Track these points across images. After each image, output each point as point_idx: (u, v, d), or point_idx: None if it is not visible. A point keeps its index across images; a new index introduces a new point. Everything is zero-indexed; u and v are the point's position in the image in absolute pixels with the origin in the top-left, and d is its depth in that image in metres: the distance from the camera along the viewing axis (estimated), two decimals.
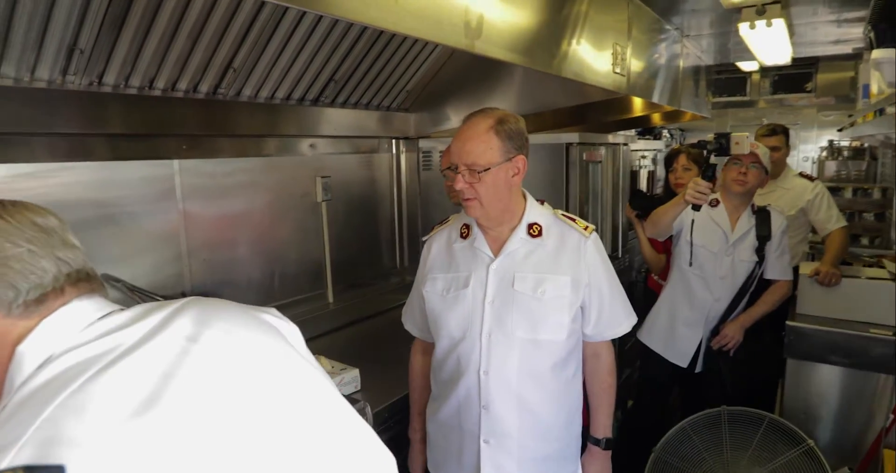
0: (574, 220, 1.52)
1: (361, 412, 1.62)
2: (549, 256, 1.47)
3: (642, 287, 3.38)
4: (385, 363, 1.99)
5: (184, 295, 2.04)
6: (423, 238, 1.66)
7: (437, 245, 1.59)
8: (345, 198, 2.71)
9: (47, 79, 1.64)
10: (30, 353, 0.73)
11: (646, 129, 4.49)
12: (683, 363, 2.46)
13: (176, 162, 2.04)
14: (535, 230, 1.48)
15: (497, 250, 1.49)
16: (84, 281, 0.82)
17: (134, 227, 1.94)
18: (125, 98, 1.82)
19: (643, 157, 3.89)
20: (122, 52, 1.69)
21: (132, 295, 1.82)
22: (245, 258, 2.31)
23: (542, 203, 1.56)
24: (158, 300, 1.82)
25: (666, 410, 2.73)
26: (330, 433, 0.83)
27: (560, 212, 1.54)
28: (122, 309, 0.82)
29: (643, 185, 3.93)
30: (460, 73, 2.80)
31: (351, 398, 1.67)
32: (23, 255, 0.76)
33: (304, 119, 2.41)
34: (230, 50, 1.93)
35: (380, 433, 1.70)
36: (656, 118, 3.89)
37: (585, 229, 1.50)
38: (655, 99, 3.11)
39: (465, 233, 1.54)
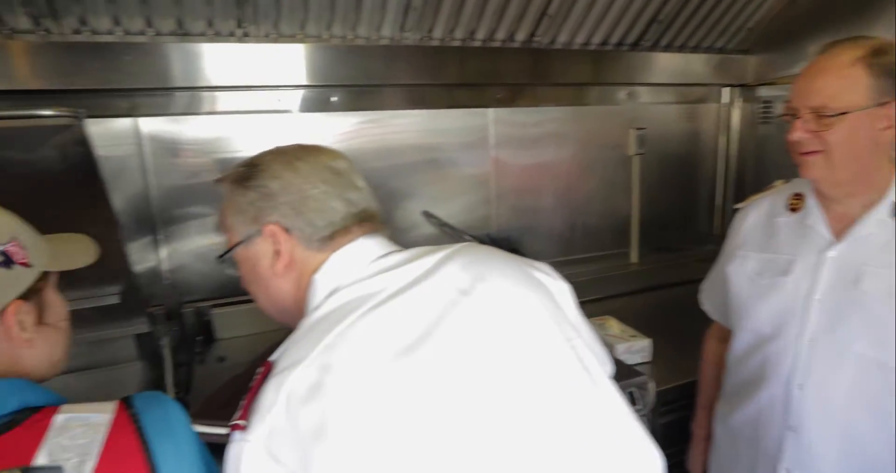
0: None
1: (643, 387, 1.49)
2: None
3: None
4: (683, 338, 1.79)
5: (489, 237, 2.18)
6: (736, 206, 1.37)
7: (755, 216, 1.29)
8: (660, 152, 2.48)
9: (389, 36, 1.87)
10: (321, 282, 0.81)
11: None
12: None
13: (491, 111, 2.13)
14: None
15: (840, 232, 1.13)
16: (367, 221, 0.87)
17: (451, 170, 2.11)
18: (450, 50, 1.96)
19: None
20: (447, 6, 1.81)
21: (443, 230, 2.00)
22: (548, 208, 2.33)
23: None
24: (465, 237, 2.01)
25: None
26: (585, 417, 0.76)
27: None
28: (399, 250, 0.86)
29: None
30: (824, 1, 2.25)
31: (634, 370, 1.56)
32: (318, 195, 0.83)
33: (621, 66, 2.26)
34: None
35: (660, 415, 1.58)
36: None
37: None
38: None
39: (796, 205, 1.21)
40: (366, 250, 0.84)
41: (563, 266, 0.95)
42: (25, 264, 0.72)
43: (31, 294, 0.73)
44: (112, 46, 1.57)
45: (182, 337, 1.79)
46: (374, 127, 1.98)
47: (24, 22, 1.48)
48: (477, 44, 1.98)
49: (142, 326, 1.74)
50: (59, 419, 0.65)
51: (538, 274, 0.87)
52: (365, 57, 1.84)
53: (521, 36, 2.02)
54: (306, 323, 0.78)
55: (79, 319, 0.87)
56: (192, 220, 1.81)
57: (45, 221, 1.45)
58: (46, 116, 1.13)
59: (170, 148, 1.72)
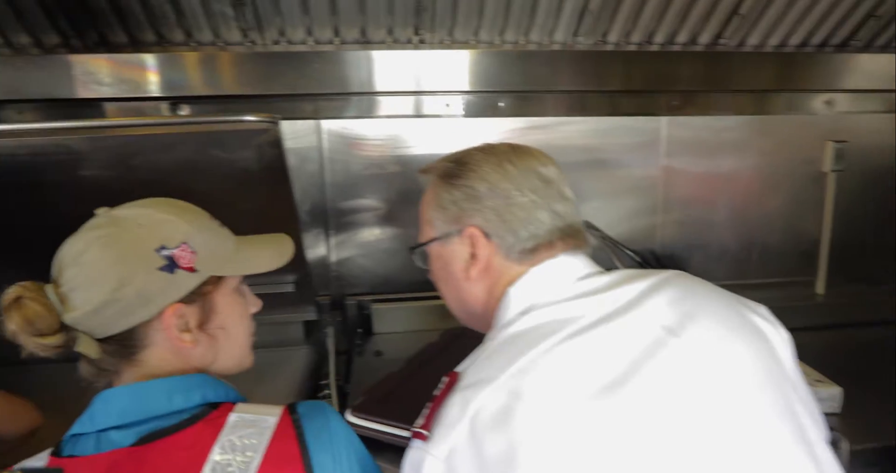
0: None
1: (834, 444, 1.30)
2: None
3: None
4: (881, 389, 1.54)
5: (653, 254, 2.05)
6: None
7: None
8: (863, 170, 2.16)
9: (561, 41, 1.82)
10: (516, 297, 0.78)
11: None
12: None
13: (664, 118, 2.00)
14: None
15: None
16: (572, 237, 0.82)
17: (616, 178, 2.02)
18: (624, 55, 1.87)
19: None
20: (626, 9, 1.73)
21: (604, 243, 1.91)
22: (722, 224, 2.14)
23: None
24: (626, 251, 1.90)
25: None
26: None
27: None
28: (601, 272, 0.80)
29: None
30: None
31: None
32: (526, 204, 0.79)
33: (822, 69, 2.00)
34: None
35: None
36: None
37: None
38: None
39: None
40: (567, 268, 0.80)
41: (735, 291, 0.84)
42: (190, 269, 0.72)
43: (195, 298, 0.74)
44: (303, 55, 1.70)
45: (343, 328, 1.90)
46: (539, 132, 1.94)
47: (235, 35, 1.66)
48: (655, 48, 1.87)
49: (310, 314, 1.88)
50: (233, 417, 0.68)
51: (756, 319, 0.78)
52: (534, 62, 1.82)
53: (704, 38, 1.87)
54: (497, 339, 0.74)
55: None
56: (361, 215, 1.90)
57: (238, 214, 1.63)
58: (249, 121, 1.24)
59: (345, 146, 1.83)
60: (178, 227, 0.73)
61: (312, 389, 1.71)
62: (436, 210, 0.85)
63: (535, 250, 0.80)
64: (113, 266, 0.68)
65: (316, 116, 1.82)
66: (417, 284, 1.96)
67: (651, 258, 1.85)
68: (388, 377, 1.42)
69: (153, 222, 0.72)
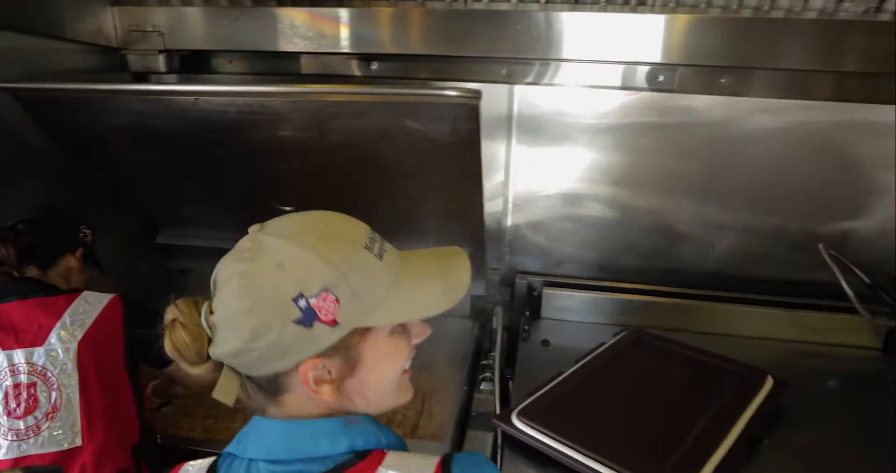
0: None
1: None
2: None
3: None
4: None
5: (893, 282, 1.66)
6: None
7: None
8: None
9: (819, 7, 1.48)
10: None
11: None
12: None
13: None
14: None
15: None
16: None
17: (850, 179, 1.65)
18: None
19: None
20: None
21: (832, 262, 1.58)
22: None
23: None
24: (858, 274, 1.51)
25: None
26: None
27: None
28: None
29: None
30: None
31: None
32: None
33: None
34: None
35: None
36: None
37: None
38: None
39: None
40: None
41: None
42: (331, 323, 0.61)
43: (337, 351, 0.64)
44: (505, 14, 1.55)
45: (510, 307, 1.82)
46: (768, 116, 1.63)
47: None
48: None
49: (479, 288, 1.83)
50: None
51: None
52: (775, 33, 1.49)
53: None
54: None
55: None
56: (544, 190, 1.76)
57: (422, 184, 1.58)
58: (450, 95, 1.15)
59: (538, 115, 1.68)
60: (322, 271, 0.61)
61: (473, 367, 1.67)
62: None
63: None
64: (247, 316, 0.60)
65: (510, 80, 1.69)
66: (596, 270, 1.83)
67: (889, 287, 1.50)
68: (558, 383, 1.32)
69: (294, 263, 0.61)
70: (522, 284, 1.80)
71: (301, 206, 1.69)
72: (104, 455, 1.15)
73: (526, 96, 1.65)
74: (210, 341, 0.64)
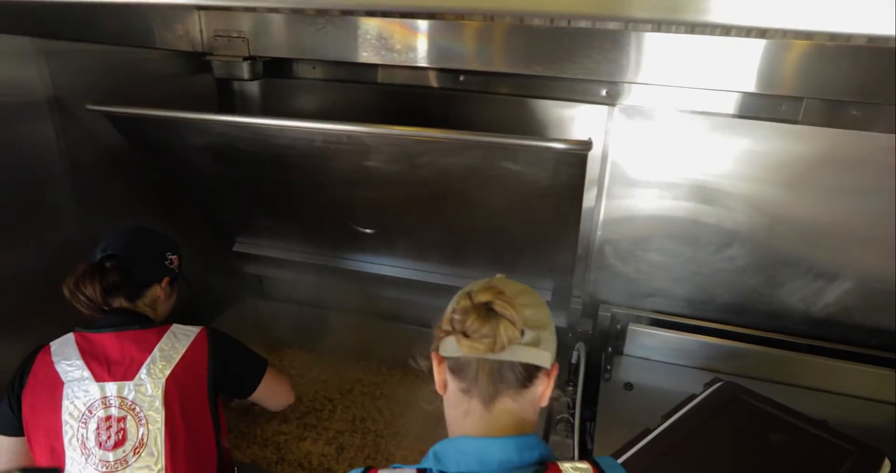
0: None
1: None
2: None
3: None
4: None
5: None
6: None
7: None
8: None
9: None
10: None
11: None
12: None
13: None
14: None
15: None
16: None
17: None
18: None
19: None
20: None
21: None
22: None
23: None
24: None
25: None
26: None
27: None
28: None
29: None
30: None
31: None
32: None
33: None
34: None
35: None
36: None
37: None
38: None
39: None
40: None
41: None
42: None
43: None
44: (612, 35, 1.41)
45: (590, 340, 1.73)
46: None
47: None
48: None
49: (561, 320, 1.75)
50: None
51: None
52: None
53: None
54: None
55: None
56: (637, 215, 1.62)
57: (512, 222, 1.49)
58: (559, 149, 1.05)
59: (637, 139, 1.54)
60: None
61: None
62: None
63: None
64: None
65: (609, 101, 1.56)
66: (686, 306, 1.70)
67: None
68: (647, 444, 1.24)
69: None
70: (606, 316, 1.71)
71: (381, 230, 1.66)
72: None
73: (627, 121, 1.53)
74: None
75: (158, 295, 1.29)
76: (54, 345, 1.17)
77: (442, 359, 0.79)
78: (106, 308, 1.20)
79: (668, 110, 1.50)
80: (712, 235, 1.58)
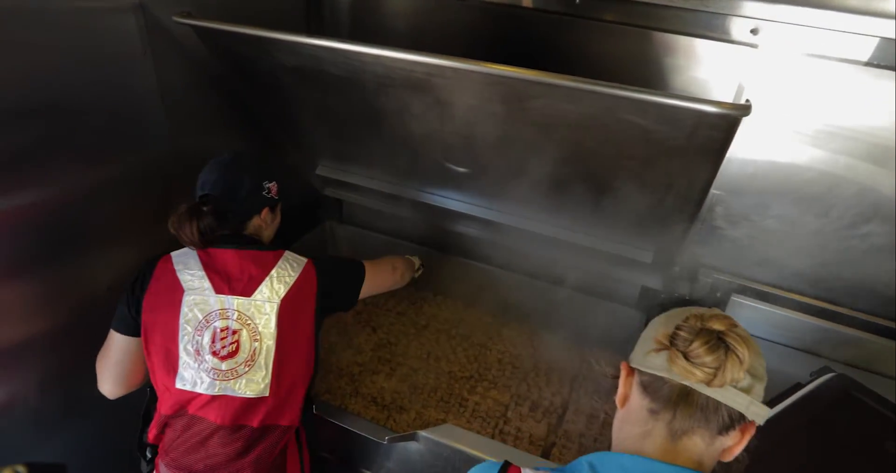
0: None
1: None
2: None
3: None
4: None
5: None
6: None
7: None
8: None
9: None
10: None
11: None
12: None
13: None
14: None
15: None
16: None
17: None
18: None
19: None
20: None
21: None
22: None
23: None
24: None
25: None
26: None
27: None
28: None
29: None
30: None
31: None
32: None
33: None
34: None
35: None
36: None
37: None
38: None
39: None
40: None
41: None
42: None
43: None
44: None
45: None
46: None
47: None
48: None
49: (657, 280, 1.63)
50: None
51: None
52: None
53: None
54: None
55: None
56: (756, 175, 1.44)
57: (630, 182, 1.33)
58: (712, 112, 0.88)
59: (774, 96, 1.32)
60: None
61: None
62: None
63: None
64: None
65: (752, 43, 1.32)
66: (797, 280, 1.52)
67: None
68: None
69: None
70: (706, 282, 1.57)
71: (476, 171, 1.54)
72: (282, 411, 1.19)
73: (766, 65, 1.30)
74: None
75: (260, 223, 1.28)
76: (175, 255, 1.20)
77: (632, 371, 0.72)
78: (212, 239, 1.19)
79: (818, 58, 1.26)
80: (850, 206, 1.38)
